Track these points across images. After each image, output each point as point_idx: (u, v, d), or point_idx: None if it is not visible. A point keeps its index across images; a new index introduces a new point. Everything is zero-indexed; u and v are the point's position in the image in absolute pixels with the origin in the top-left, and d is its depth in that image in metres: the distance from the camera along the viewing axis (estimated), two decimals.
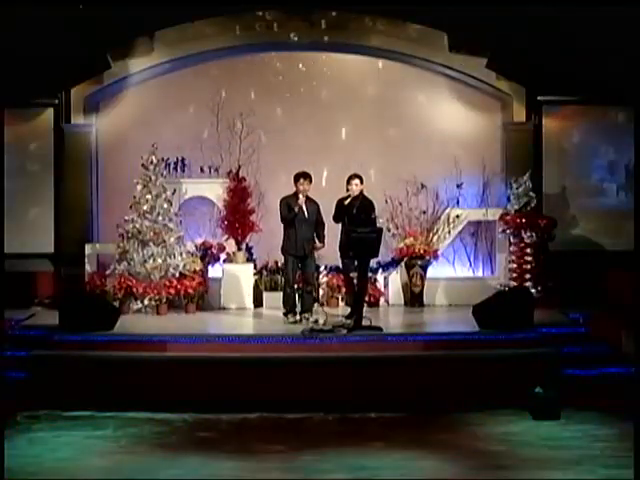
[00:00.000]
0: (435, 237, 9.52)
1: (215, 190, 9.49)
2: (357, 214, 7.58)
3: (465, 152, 9.77)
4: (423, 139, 9.88)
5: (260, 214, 9.46)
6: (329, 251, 8.13)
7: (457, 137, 9.90)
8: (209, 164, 9.53)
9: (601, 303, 8.07)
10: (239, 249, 9.34)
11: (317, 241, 7.97)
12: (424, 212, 9.59)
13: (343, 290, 8.97)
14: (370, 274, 8.69)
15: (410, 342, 6.94)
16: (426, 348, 6.87)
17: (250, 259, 9.43)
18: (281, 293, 8.19)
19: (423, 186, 9.59)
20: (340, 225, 7.67)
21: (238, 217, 9.24)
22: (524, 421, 5.94)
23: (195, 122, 9.72)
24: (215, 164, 9.53)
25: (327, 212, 7.94)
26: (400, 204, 9.54)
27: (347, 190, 7.70)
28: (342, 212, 7.61)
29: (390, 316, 8.74)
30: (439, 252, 9.49)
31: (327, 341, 6.92)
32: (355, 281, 7.62)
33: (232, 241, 9.33)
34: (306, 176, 7.85)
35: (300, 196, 7.74)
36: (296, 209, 7.74)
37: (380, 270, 9.45)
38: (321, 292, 9.19)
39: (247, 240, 9.43)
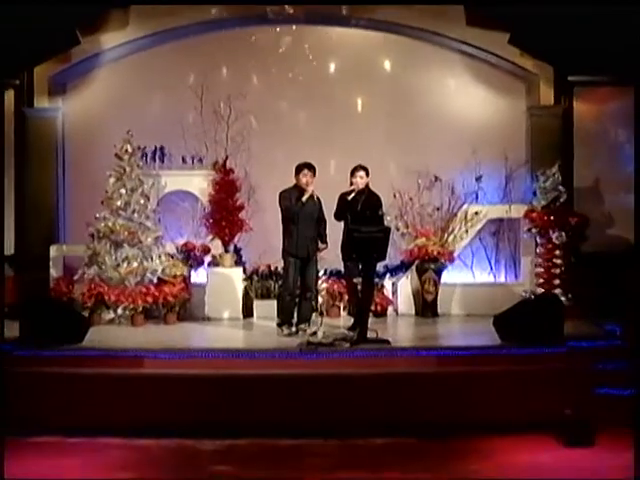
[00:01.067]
0: (451, 237, 9.57)
1: (199, 183, 9.54)
2: (362, 211, 7.62)
3: (485, 140, 9.79)
4: (437, 125, 9.92)
5: (250, 211, 9.53)
6: (330, 253, 8.17)
7: (476, 123, 9.94)
8: (192, 154, 9.60)
9: None
10: (226, 251, 9.38)
11: (320, 241, 8.02)
12: (438, 208, 9.65)
13: (345, 298, 9.06)
14: (376, 279, 8.81)
15: (422, 357, 6.97)
16: (440, 364, 6.90)
17: (239, 263, 9.48)
18: (275, 301, 8.21)
19: (437, 179, 9.64)
20: (342, 223, 7.72)
21: (225, 214, 9.27)
22: (554, 448, 5.94)
23: (176, 106, 9.74)
24: (199, 154, 9.60)
25: (328, 208, 7.97)
26: (411, 199, 9.59)
27: (351, 184, 7.76)
28: (345, 208, 7.65)
29: (399, 328, 8.79)
30: (455, 254, 9.53)
31: (327, 356, 6.96)
32: (359, 287, 7.66)
33: (218, 242, 9.38)
34: (310, 167, 7.86)
35: (309, 189, 7.76)
36: (303, 200, 7.75)
37: (388, 275, 9.55)
38: (320, 300, 9.23)
39: (236, 241, 9.47)
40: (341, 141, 9.88)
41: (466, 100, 10.03)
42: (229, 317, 9.12)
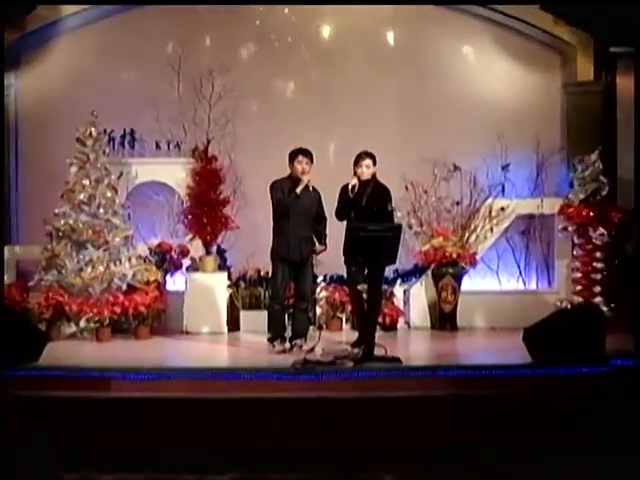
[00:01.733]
0: (472, 237, 9.65)
1: (176, 173, 9.61)
2: (368, 206, 7.65)
3: (513, 123, 9.83)
4: (457, 106, 10.00)
5: (237, 206, 9.63)
6: (330, 256, 8.22)
7: (502, 103, 10.02)
8: (168, 138, 9.70)
9: None
10: (208, 253, 9.45)
11: (317, 242, 8.05)
12: (458, 203, 9.77)
13: (348, 308, 9.16)
14: (385, 286, 8.89)
15: (439, 379, 6.97)
16: (461, 386, 6.90)
17: (223, 267, 9.57)
18: (265, 312, 8.27)
19: (456, 168, 9.72)
20: (345, 221, 7.76)
21: (207, 210, 9.34)
22: None
23: (149, 82, 9.80)
24: (176, 138, 9.70)
25: (328, 203, 8.02)
26: (425, 192, 9.70)
27: (354, 174, 7.76)
28: (348, 203, 7.68)
29: (412, 343, 8.86)
30: (478, 257, 9.64)
31: (327, 377, 6.96)
32: (365, 296, 7.70)
33: (199, 242, 9.48)
34: (306, 153, 7.87)
35: (304, 178, 7.76)
36: (297, 191, 7.75)
37: (398, 281, 9.66)
38: (319, 311, 9.35)
39: (219, 241, 9.57)
40: (344, 124, 9.96)
41: (491, 76, 10.12)
42: (211, 331, 9.18)
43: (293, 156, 7.87)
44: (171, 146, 9.68)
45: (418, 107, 10.04)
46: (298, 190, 7.77)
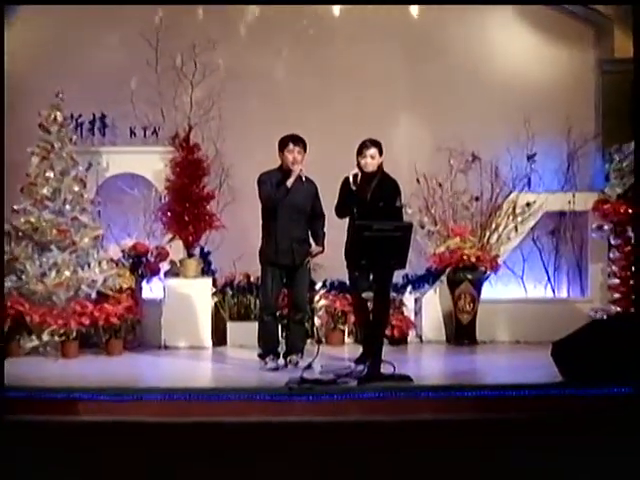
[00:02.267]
0: (494, 237, 9.75)
1: (153, 164, 9.71)
2: (373, 201, 7.72)
3: (540, 105, 9.88)
4: (476, 86, 10.08)
5: (223, 202, 9.76)
6: (330, 259, 8.30)
7: (528, 82, 10.07)
8: (144, 124, 9.79)
9: None
10: (190, 256, 9.53)
11: (313, 243, 8.04)
12: (477, 198, 9.83)
13: (351, 319, 9.30)
14: (393, 294, 9.00)
15: (456, 400, 7.02)
16: (481, 409, 6.95)
17: (207, 271, 9.67)
18: (256, 324, 8.32)
19: (475, 158, 9.83)
20: (346, 219, 7.87)
21: (189, 206, 9.41)
22: None
23: (122, 59, 9.83)
24: (153, 124, 9.78)
25: (327, 199, 8.07)
26: (440, 186, 9.79)
27: (358, 165, 7.82)
28: (350, 198, 7.73)
29: (424, 359, 9.02)
30: (500, 260, 9.74)
31: (326, 399, 6.99)
32: (370, 305, 7.76)
33: (179, 243, 9.56)
34: (297, 141, 7.89)
35: (295, 168, 7.77)
36: (288, 184, 7.76)
37: (409, 288, 9.75)
38: (317, 322, 9.50)
39: (202, 242, 9.67)
40: (345, 107, 10.03)
41: (515, 52, 10.18)
42: (193, 345, 9.27)
43: (283, 144, 7.90)
44: (148, 133, 9.74)
45: (431, 88, 10.11)
46: (289, 183, 7.78)
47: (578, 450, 6.31)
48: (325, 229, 8.10)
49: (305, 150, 7.89)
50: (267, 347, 8.02)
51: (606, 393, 6.92)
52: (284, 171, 7.86)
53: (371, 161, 7.78)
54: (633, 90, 8.21)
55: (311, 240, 8.05)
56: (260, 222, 8.01)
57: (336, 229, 7.97)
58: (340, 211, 7.87)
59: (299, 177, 7.80)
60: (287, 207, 7.80)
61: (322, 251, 8.06)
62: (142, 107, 9.65)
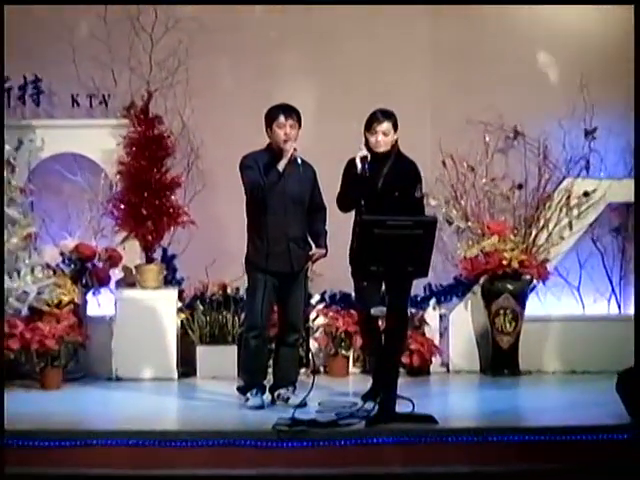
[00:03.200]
0: (542, 236, 9.68)
1: (101, 142, 9.59)
2: (386, 190, 7.70)
3: (601, 68, 9.83)
4: (517, 44, 10.01)
5: (191, 190, 9.71)
6: (331, 265, 8.28)
7: (585, 39, 9.99)
8: (89, 90, 9.72)
9: None
10: (149, 260, 9.47)
11: (312, 243, 8.05)
12: (520, 186, 9.76)
13: (358, 342, 9.16)
14: (412, 310, 9.04)
15: (493, 446, 6.98)
16: (526, 458, 6.90)
17: (172, 281, 9.63)
18: (233, 348, 8.35)
19: (518, 134, 9.77)
20: (351, 212, 7.79)
21: (147, 196, 9.34)
22: None
23: (61, 6, 9.70)
24: (102, 90, 9.72)
25: (325, 188, 7.99)
26: (472, 170, 9.71)
27: (366, 144, 7.78)
28: (356, 187, 7.71)
29: (452, 395, 8.90)
30: (551, 266, 9.63)
31: (325, 445, 6.95)
32: (382, 324, 7.70)
33: (135, 244, 9.50)
34: (290, 112, 7.87)
35: (287, 147, 7.75)
36: (280, 168, 7.73)
37: (432, 302, 9.67)
38: (314, 346, 9.42)
39: (165, 243, 9.63)
40: (353, 72, 9.94)
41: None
42: (154, 376, 9.23)
43: (271, 117, 7.86)
44: (94, 102, 9.70)
45: (461, 47, 10.05)
46: (280, 166, 7.72)
47: None
48: (327, 226, 8.10)
49: (300, 124, 7.86)
50: (250, 378, 7.95)
51: None
52: (273, 152, 7.83)
53: (383, 138, 7.73)
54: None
55: (309, 240, 8.05)
56: (240, 217, 7.99)
57: (338, 226, 7.92)
58: (343, 203, 7.85)
59: (293, 159, 7.75)
60: (280, 197, 7.80)
61: (325, 254, 8.06)
62: (87, 69, 9.63)
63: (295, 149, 7.74)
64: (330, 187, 7.93)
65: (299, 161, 7.78)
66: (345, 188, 7.82)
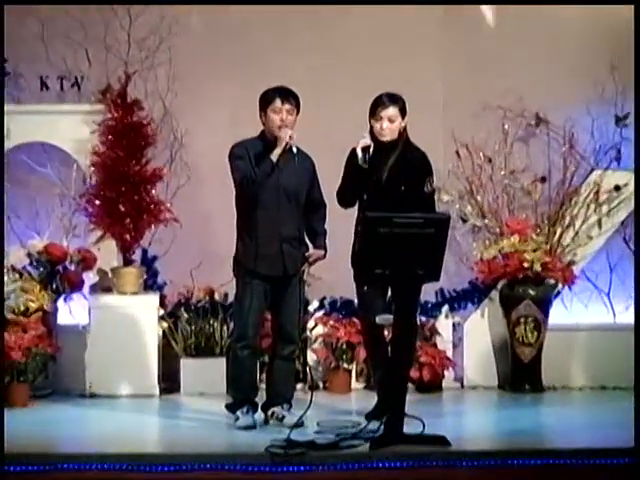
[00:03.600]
0: (568, 235, 9.72)
1: (73, 130, 9.61)
2: (392, 183, 7.73)
3: (632, 47, 9.59)
4: (539, 19, 9.99)
5: (175, 184, 9.73)
6: (330, 267, 8.40)
7: (613, 14, 9.89)
8: (60, 72, 9.77)
9: None
10: (127, 263, 9.50)
11: (310, 244, 8.09)
12: (543, 179, 9.82)
13: (361, 354, 9.20)
14: (422, 319, 9.17)
15: (514, 471, 6.97)
16: None
17: (152, 285, 9.72)
18: (221, 361, 8.47)
19: (541, 121, 9.81)
20: (354, 209, 7.82)
21: (126, 191, 9.37)
22: None
23: None
24: (74, 72, 9.76)
25: (329, 181, 8.00)
26: (489, 162, 9.76)
27: (370, 131, 7.80)
28: (359, 180, 7.75)
29: (467, 413, 8.99)
30: (577, 269, 9.69)
31: (325, 470, 6.95)
32: (388, 334, 7.75)
33: (112, 245, 9.53)
34: (287, 96, 7.89)
35: (282, 135, 7.76)
36: (273, 158, 7.74)
37: (444, 310, 9.74)
38: (312, 359, 9.47)
39: (146, 243, 9.69)
40: (355, 52, 9.96)
41: None
42: (132, 392, 9.26)
43: (266, 100, 7.87)
44: (66, 85, 9.73)
45: (476, 25, 10.14)
46: (274, 156, 7.72)
47: None
48: (326, 224, 8.11)
49: (298, 110, 7.88)
50: (240, 395, 7.96)
51: None
52: (267, 140, 7.85)
53: (389, 125, 7.73)
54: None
55: (306, 239, 8.08)
56: (229, 213, 8.00)
57: (339, 224, 7.96)
58: (343, 197, 7.88)
59: (289, 148, 7.75)
60: (273, 192, 7.81)
61: (324, 255, 8.08)
62: (58, 47, 9.65)
63: (291, 137, 7.72)
64: (331, 181, 7.94)
65: (295, 151, 7.77)
66: (347, 181, 7.85)
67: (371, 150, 7.64)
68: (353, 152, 7.75)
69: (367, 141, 7.67)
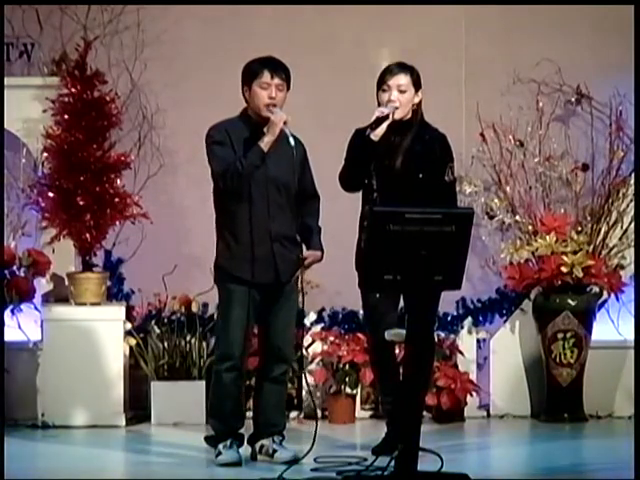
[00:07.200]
0: (614, 235, 9.77)
1: (22, 108, 9.68)
2: (405, 171, 7.76)
3: None
4: None
5: (144, 173, 9.83)
6: (330, 272, 8.59)
7: None
8: (8, 38, 9.86)
9: None
10: (88, 267, 9.51)
11: (304, 245, 8.09)
12: (585, 167, 9.77)
13: (368, 376, 9.20)
14: (440, 334, 9.33)
15: None
16: None
17: (118, 294, 9.81)
18: (200, 385, 8.70)
19: (581, 97, 9.84)
20: (359, 202, 7.83)
21: (85, 181, 9.37)
22: None
23: None
24: (22, 39, 9.87)
25: (317, 172, 7.89)
26: (521, 145, 9.73)
27: (379, 106, 7.77)
28: (364, 162, 7.72)
29: (495, 447, 9.02)
30: (625, 275, 9.67)
31: None
32: (399, 353, 7.95)
33: (70, 246, 9.56)
34: (277, 69, 7.87)
35: (274, 119, 7.75)
36: (263, 146, 7.72)
37: (467, 323, 9.80)
38: (309, 381, 9.45)
39: (109, 243, 9.74)
40: (352, 16, 10.01)
41: None
42: (93, 422, 9.31)
43: (252, 73, 7.85)
44: (13, 54, 9.83)
45: None
46: (265, 145, 7.67)
47: None
48: (320, 220, 8.11)
49: (289, 85, 7.86)
50: (223, 425, 7.92)
51: None
52: (250, 120, 7.86)
53: (399, 96, 7.69)
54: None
55: (299, 239, 8.08)
56: (208, 209, 8.04)
57: (338, 218, 8.14)
58: (346, 179, 7.86)
59: (280, 131, 7.71)
60: (261, 184, 7.81)
61: (321, 258, 8.02)
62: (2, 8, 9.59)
63: (286, 122, 7.64)
64: (321, 174, 7.97)
65: (287, 132, 7.70)
66: (351, 159, 7.83)
67: (385, 124, 7.53)
68: (359, 134, 7.74)
69: (385, 110, 7.56)
